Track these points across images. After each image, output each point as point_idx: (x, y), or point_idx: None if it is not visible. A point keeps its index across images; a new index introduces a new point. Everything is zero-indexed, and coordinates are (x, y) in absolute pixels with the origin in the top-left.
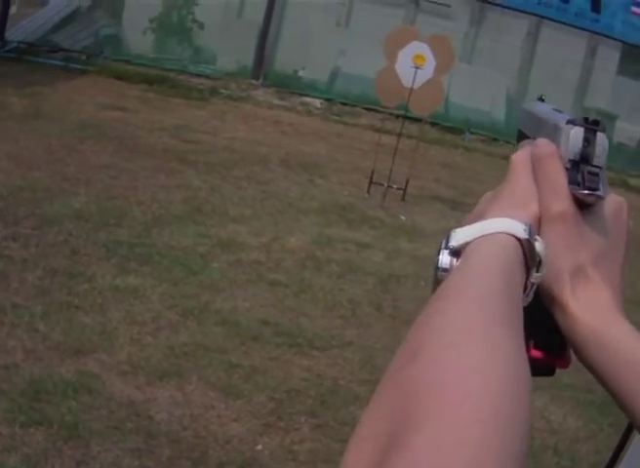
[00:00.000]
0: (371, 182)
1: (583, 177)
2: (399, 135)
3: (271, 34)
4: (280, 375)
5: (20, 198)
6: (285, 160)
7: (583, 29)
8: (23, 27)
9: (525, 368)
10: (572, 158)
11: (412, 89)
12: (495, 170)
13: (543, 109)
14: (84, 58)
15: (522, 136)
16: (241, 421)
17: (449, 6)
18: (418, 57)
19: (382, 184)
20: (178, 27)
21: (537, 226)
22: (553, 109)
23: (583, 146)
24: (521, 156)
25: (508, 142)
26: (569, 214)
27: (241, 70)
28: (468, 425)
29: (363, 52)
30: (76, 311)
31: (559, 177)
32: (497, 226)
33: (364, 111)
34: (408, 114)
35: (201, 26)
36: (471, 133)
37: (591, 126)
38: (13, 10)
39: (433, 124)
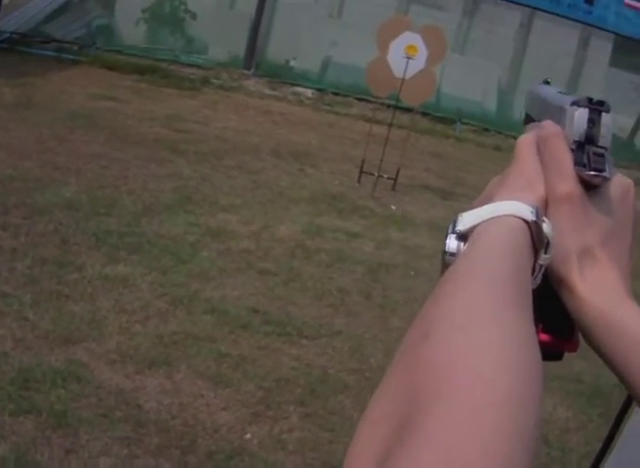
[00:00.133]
0: (361, 172)
1: (589, 159)
2: (390, 124)
3: (263, 24)
4: (269, 364)
5: (11, 187)
6: (276, 149)
7: (576, 21)
8: (16, 18)
9: (536, 351)
10: (577, 139)
11: (403, 79)
12: (485, 160)
13: (549, 92)
14: (76, 48)
15: (528, 119)
16: (230, 410)
17: None
18: (410, 47)
19: (373, 174)
20: (170, 18)
21: (543, 208)
22: (558, 92)
23: (588, 127)
24: (527, 138)
25: (500, 133)
26: (575, 195)
27: (233, 60)
28: (482, 408)
29: (355, 42)
30: (65, 300)
31: (565, 159)
32: (504, 209)
33: (355, 101)
34: (399, 104)
35: (193, 17)
36: (462, 123)
37: (596, 106)
38: (5, 0)
39: (424, 114)
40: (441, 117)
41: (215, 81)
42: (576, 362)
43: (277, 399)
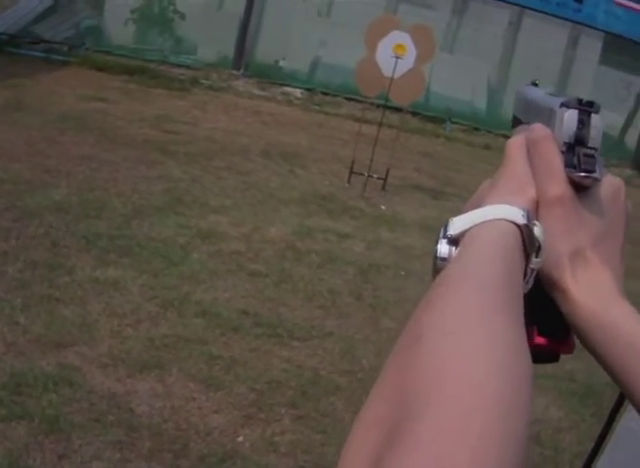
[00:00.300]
0: (351, 172)
1: (579, 160)
2: (380, 124)
3: (252, 25)
4: (260, 366)
5: (1, 190)
6: (265, 150)
7: (565, 19)
8: (5, 19)
9: (526, 355)
10: (567, 141)
11: (392, 78)
12: (475, 159)
13: (537, 94)
14: (65, 49)
15: (517, 122)
16: (222, 413)
17: None
18: (398, 46)
19: (363, 174)
20: (159, 18)
21: (534, 211)
22: (547, 93)
23: (578, 128)
24: (516, 141)
25: (489, 132)
26: (566, 197)
27: (222, 61)
28: (471, 413)
29: (344, 42)
30: (56, 304)
31: (555, 161)
32: (494, 213)
33: (345, 101)
34: (388, 104)
35: (182, 17)
36: (452, 122)
37: (585, 107)
38: None
39: (414, 113)
40: (431, 116)
41: (204, 81)
42: (568, 361)
43: (269, 401)
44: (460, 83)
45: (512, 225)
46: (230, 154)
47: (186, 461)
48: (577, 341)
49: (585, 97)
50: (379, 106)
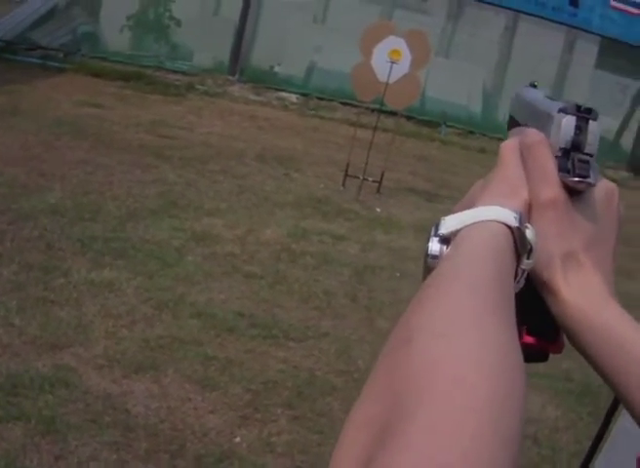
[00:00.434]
0: (346, 175)
1: (574, 165)
2: (375, 128)
3: (247, 30)
4: (256, 367)
5: None
6: (261, 154)
7: (561, 23)
8: (1, 25)
9: (518, 355)
10: (563, 146)
11: (387, 83)
12: (471, 162)
13: (536, 96)
14: (61, 55)
15: (513, 122)
16: (218, 414)
17: (425, 0)
18: (394, 51)
19: (358, 177)
20: (154, 24)
21: (527, 214)
22: (545, 96)
23: (575, 134)
24: (510, 144)
25: (484, 135)
26: (559, 200)
27: (217, 66)
28: (463, 414)
29: (339, 47)
30: (52, 305)
31: (548, 164)
32: (487, 214)
33: (340, 105)
34: (383, 108)
35: (178, 23)
36: (447, 126)
37: (583, 114)
38: None
39: (409, 118)
40: (426, 120)
41: (199, 87)
42: (564, 360)
43: (265, 402)
44: (456, 87)
45: (504, 227)
46: (226, 158)
47: (183, 462)
48: (566, 341)
49: (582, 102)
50: (374, 111)
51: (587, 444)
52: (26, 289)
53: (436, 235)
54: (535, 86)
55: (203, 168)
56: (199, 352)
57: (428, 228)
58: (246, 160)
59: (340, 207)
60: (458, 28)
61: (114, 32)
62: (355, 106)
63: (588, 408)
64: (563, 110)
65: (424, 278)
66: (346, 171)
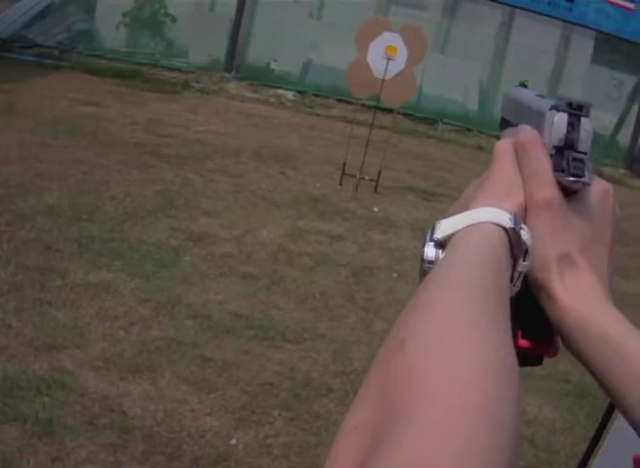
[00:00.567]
0: (343, 174)
1: (568, 164)
2: (371, 126)
3: (243, 27)
4: (253, 369)
5: None
6: (257, 152)
7: (557, 18)
8: None
9: (512, 360)
10: (556, 144)
11: (383, 80)
12: (468, 160)
13: (527, 95)
14: (57, 53)
15: (505, 124)
16: (215, 416)
17: None
18: (389, 47)
19: (355, 176)
20: (150, 21)
21: (522, 214)
22: (536, 95)
23: (568, 132)
24: (504, 144)
25: (482, 132)
26: (554, 201)
27: (213, 64)
28: (456, 418)
29: (335, 44)
30: (49, 307)
31: (543, 164)
32: (481, 216)
33: (336, 103)
34: (380, 105)
35: (173, 20)
36: (444, 123)
37: (575, 111)
38: None
39: (406, 115)
40: (423, 117)
41: (195, 84)
42: (562, 362)
43: (262, 403)
44: (452, 84)
45: (499, 229)
46: (222, 157)
47: (180, 464)
48: (560, 345)
49: (577, 97)
50: (370, 108)
51: (585, 445)
52: (23, 290)
53: (432, 240)
54: (525, 85)
55: (200, 166)
56: (196, 354)
57: (426, 228)
58: (242, 158)
59: (337, 206)
60: (453, 24)
61: (110, 29)
62: (352, 103)
63: (586, 409)
64: (555, 108)
65: (420, 282)
66: (343, 169)
